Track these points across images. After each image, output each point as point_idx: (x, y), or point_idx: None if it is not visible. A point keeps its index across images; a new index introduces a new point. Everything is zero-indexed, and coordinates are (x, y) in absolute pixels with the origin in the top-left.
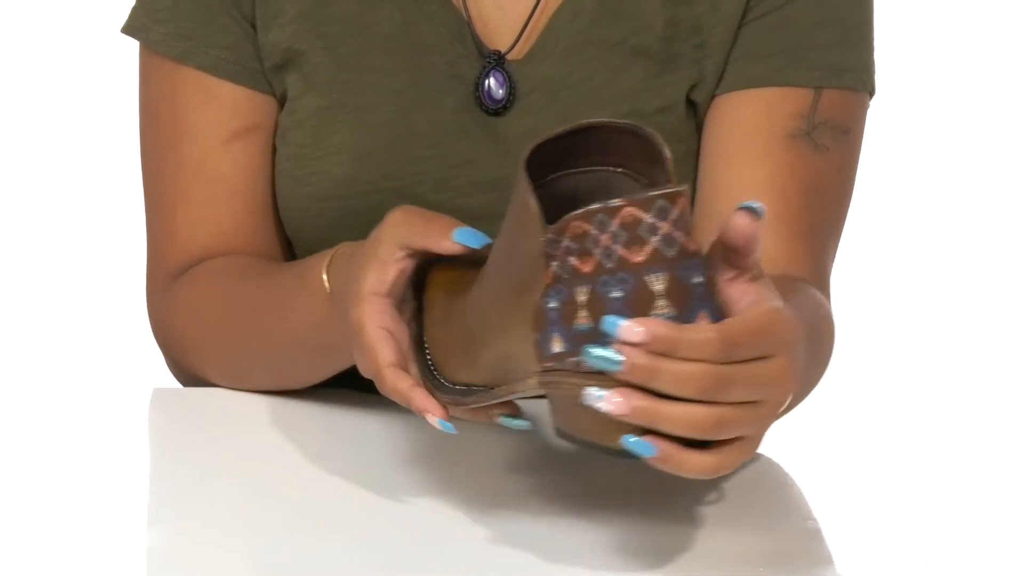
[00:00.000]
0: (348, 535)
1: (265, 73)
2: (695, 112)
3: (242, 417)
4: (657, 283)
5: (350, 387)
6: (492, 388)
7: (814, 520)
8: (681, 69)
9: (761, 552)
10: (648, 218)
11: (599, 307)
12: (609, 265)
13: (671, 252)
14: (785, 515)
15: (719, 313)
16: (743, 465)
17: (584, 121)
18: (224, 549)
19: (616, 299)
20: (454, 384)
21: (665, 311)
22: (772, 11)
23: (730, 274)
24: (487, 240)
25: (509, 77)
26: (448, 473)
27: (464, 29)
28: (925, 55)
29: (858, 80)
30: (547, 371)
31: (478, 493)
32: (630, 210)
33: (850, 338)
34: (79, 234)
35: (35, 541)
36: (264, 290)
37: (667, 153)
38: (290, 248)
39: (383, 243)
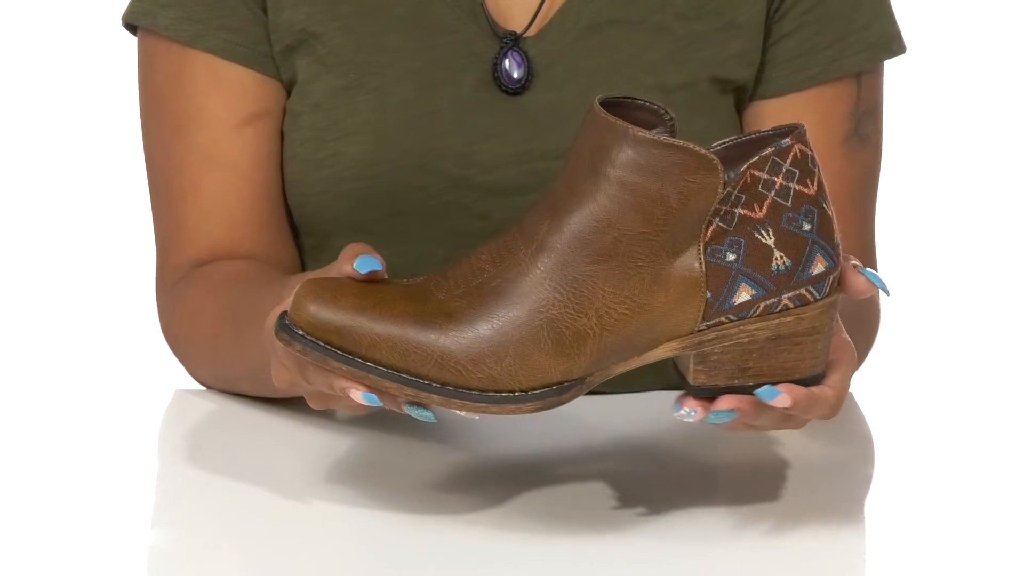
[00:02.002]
0: (352, 539)
1: (274, 57)
2: (729, 92)
3: (252, 421)
4: (830, 208)
5: None
6: (586, 378)
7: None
8: (704, 49)
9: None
10: (808, 151)
11: (796, 243)
12: (787, 203)
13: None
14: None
15: None
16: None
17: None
18: (226, 551)
19: (809, 231)
20: (528, 391)
21: (838, 235)
22: (817, 4)
23: None
24: (379, 266)
25: (526, 56)
26: (452, 476)
27: (476, 8)
28: (920, 54)
29: (900, 45)
30: (713, 327)
31: (482, 495)
32: (799, 147)
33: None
34: (106, 232)
35: (39, 538)
36: (250, 299)
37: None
38: (297, 237)
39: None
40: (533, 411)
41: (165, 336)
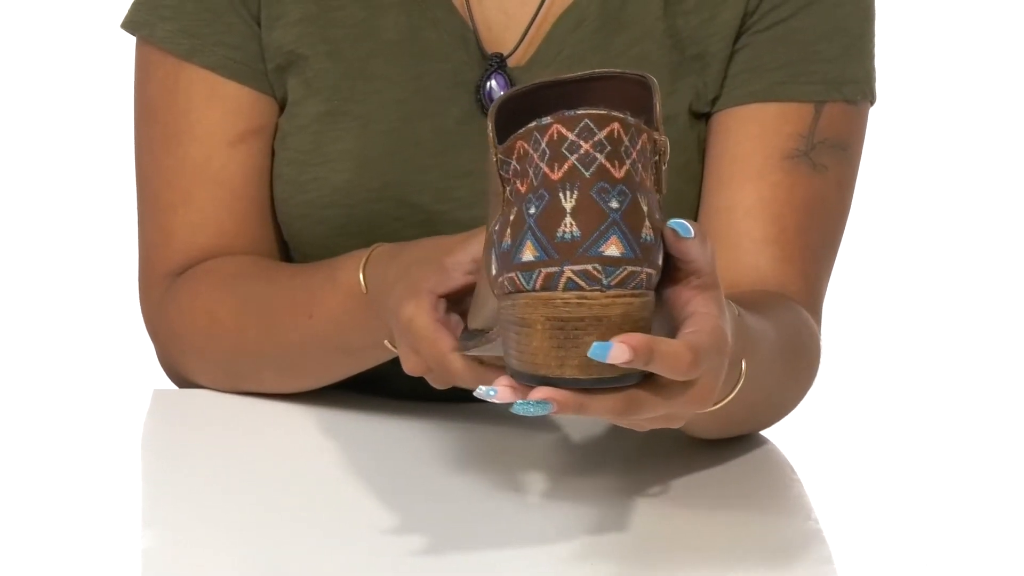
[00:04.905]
0: (342, 537)
1: (267, 74)
2: (703, 123)
3: (238, 419)
4: (568, 201)
5: (346, 388)
6: (487, 331)
7: (815, 520)
8: (682, 79)
9: (760, 551)
10: (571, 136)
11: (519, 224)
12: (535, 183)
13: (588, 172)
14: (786, 514)
15: (635, 240)
16: (747, 459)
17: (591, 71)
18: (219, 551)
19: (531, 215)
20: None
21: (571, 229)
22: (776, 24)
23: (678, 274)
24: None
25: (511, 82)
26: (443, 475)
27: (468, 34)
28: (924, 61)
29: (859, 91)
30: (499, 300)
31: (471, 494)
32: (556, 127)
33: (857, 339)
34: (79, 233)
35: (31, 541)
36: (285, 289)
37: (656, 99)
38: (287, 249)
39: (454, 252)
40: None
41: (158, 338)
